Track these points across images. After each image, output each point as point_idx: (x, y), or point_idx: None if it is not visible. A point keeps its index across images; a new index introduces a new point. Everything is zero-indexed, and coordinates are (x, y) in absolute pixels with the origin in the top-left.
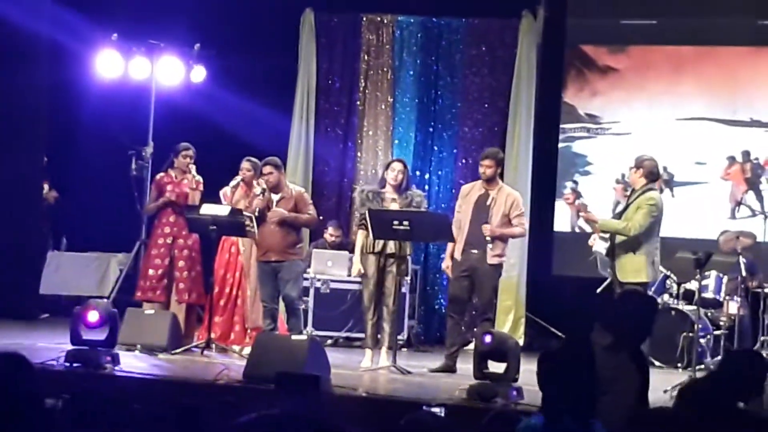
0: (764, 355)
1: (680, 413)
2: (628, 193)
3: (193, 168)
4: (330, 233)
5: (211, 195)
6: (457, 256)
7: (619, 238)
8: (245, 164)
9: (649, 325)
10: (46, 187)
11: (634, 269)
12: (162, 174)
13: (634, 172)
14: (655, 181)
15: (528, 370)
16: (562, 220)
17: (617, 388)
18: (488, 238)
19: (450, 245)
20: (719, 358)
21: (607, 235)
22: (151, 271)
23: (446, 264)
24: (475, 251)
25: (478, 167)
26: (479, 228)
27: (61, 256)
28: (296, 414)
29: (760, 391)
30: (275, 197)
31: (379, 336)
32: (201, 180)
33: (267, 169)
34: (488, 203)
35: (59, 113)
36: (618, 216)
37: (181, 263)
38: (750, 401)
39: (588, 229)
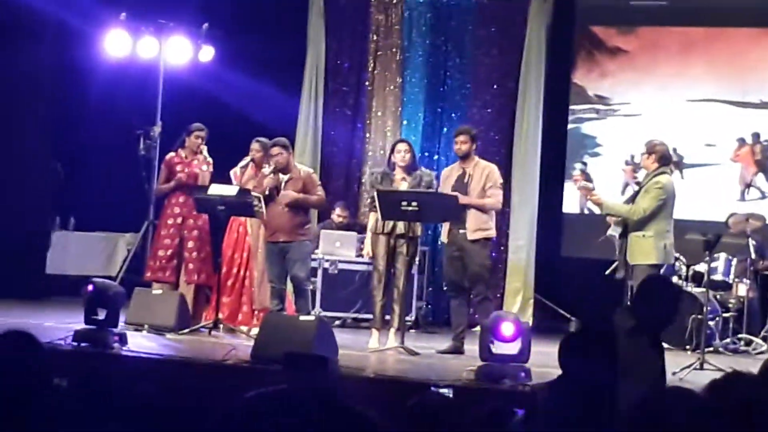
0: None
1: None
2: (641, 178)
3: (204, 149)
4: (338, 214)
5: (219, 175)
6: (444, 238)
7: (630, 221)
8: (255, 145)
9: (674, 311)
10: None
11: (643, 251)
12: (172, 154)
13: (647, 157)
14: (668, 165)
15: (536, 352)
16: (571, 201)
17: (636, 372)
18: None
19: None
20: None
21: (620, 218)
22: (160, 252)
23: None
24: (460, 231)
25: (453, 144)
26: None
27: (68, 236)
28: (304, 390)
29: None
30: (284, 178)
31: (387, 317)
32: (211, 161)
33: (276, 150)
34: (465, 180)
35: (67, 93)
36: (631, 200)
37: (190, 244)
38: None
39: (597, 210)
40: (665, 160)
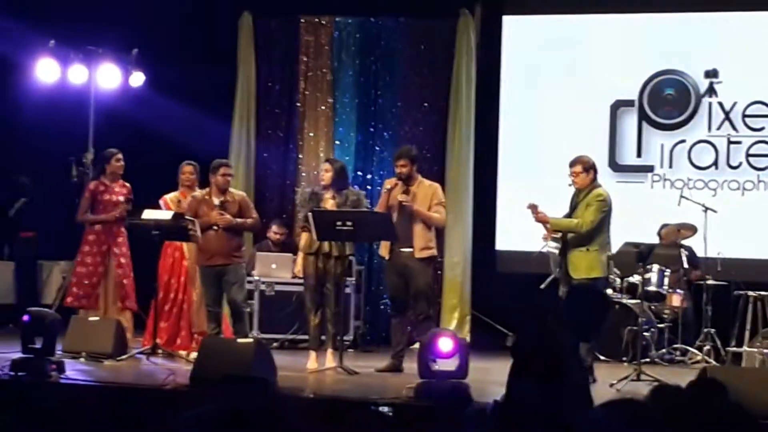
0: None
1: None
2: (575, 192)
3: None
4: (274, 231)
5: (152, 200)
6: (386, 254)
7: (570, 236)
8: (187, 168)
9: (604, 319)
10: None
11: (587, 266)
12: (95, 182)
13: (578, 174)
14: (596, 176)
15: (474, 368)
16: (507, 217)
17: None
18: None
19: None
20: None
21: (558, 234)
22: (86, 280)
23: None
24: (404, 249)
25: (394, 168)
26: (405, 226)
27: (2, 265)
28: (244, 408)
29: None
30: (217, 200)
31: (323, 337)
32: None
33: (227, 170)
34: (410, 199)
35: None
36: (567, 216)
37: (120, 271)
38: None
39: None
40: (595, 172)
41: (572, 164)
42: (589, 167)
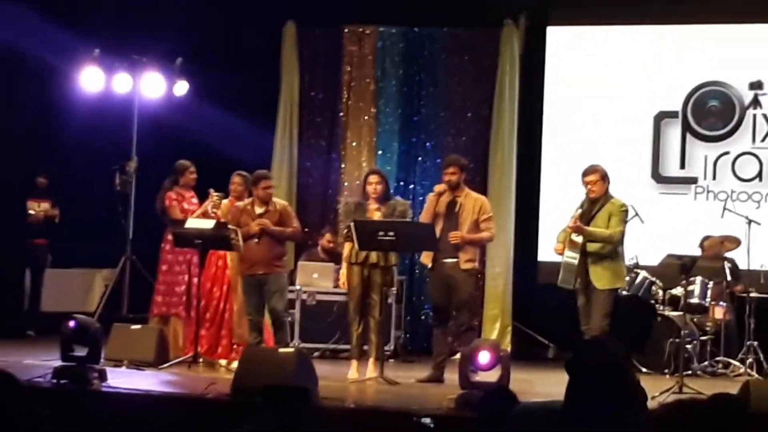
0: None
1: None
2: (585, 202)
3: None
4: (327, 239)
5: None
6: (428, 262)
7: (592, 246)
8: (236, 179)
9: (650, 330)
10: (46, 205)
11: (614, 275)
12: (173, 195)
13: (595, 182)
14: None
15: (515, 379)
16: (548, 228)
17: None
18: (457, 242)
19: None
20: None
21: (578, 246)
22: (177, 288)
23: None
24: (448, 260)
25: (443, 176)
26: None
27: (46, 273)
28: (285, 427)
29: None
30: (259, 210)
31: (365, 347)
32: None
33: (268, 183)
34: (456, 210)
35: (43, 129)
36: (585, 224)
37: (195, 280)
38: None
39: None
40: (608, 181)
41: (588, 173)
42: (605, 175)
